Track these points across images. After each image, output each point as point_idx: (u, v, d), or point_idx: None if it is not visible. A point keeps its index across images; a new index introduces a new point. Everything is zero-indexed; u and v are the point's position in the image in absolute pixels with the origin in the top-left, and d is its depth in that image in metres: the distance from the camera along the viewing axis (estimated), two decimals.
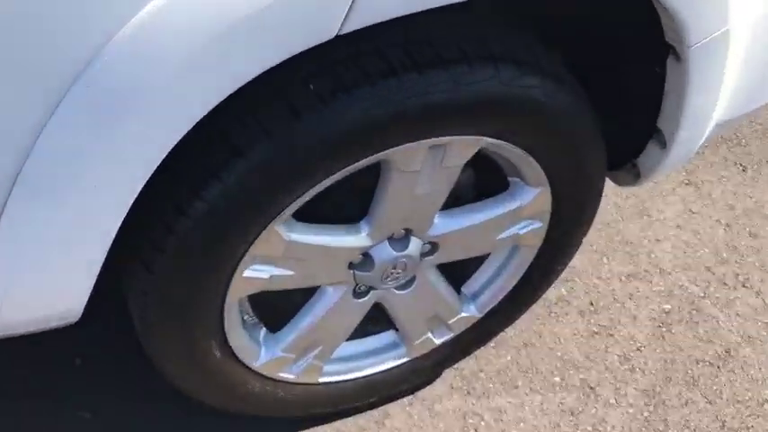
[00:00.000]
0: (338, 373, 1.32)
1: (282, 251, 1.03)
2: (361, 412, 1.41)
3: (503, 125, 1.03)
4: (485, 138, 1.03)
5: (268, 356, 1.19)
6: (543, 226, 1.24)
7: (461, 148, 1.03)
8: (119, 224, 0.86)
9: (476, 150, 1.05)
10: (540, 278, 1.35)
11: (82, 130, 0.77)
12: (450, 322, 1.34)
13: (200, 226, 0.93)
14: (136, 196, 0.84)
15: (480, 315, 1.35)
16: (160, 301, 1.03)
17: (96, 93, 0.75)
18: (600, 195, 1.26)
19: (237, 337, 1.14)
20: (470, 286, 1.35)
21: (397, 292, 1.24)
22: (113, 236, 0.87)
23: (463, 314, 1.34)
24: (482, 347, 1.47)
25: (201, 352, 1.11)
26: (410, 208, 1.10)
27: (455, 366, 1.47)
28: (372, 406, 1.42)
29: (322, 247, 1.07)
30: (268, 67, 0.79)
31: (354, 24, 0.79)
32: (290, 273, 1.08)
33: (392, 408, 1.43)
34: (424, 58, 0.91)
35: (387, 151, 0.97)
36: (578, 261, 1.57)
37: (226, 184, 0.90)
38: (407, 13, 0.83)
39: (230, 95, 0.80)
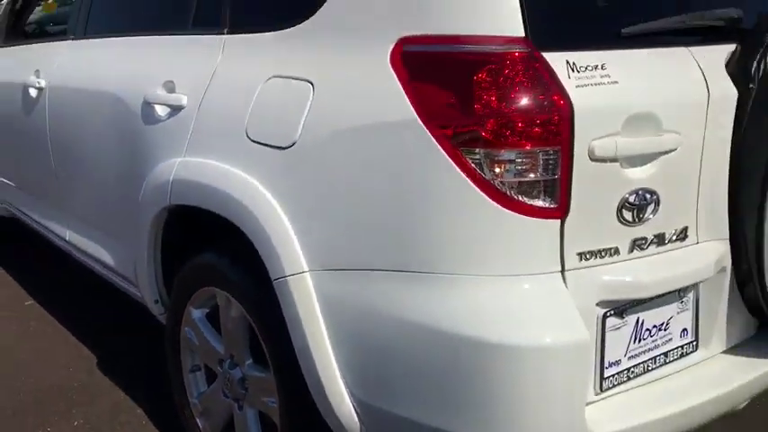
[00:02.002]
0: None
1: (191, 324, 2.10)
2: None
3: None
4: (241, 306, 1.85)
5: (194, 396, 2.18)
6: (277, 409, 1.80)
7: (234, 305, 1.88)
8: None
9: (239, 312, 1.86)
10: None
11: None
12: None
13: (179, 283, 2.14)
14: None
15: None
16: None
17: None
18: None
19: (184, 359, 2.19)
20: None
21: (236, 411, 2.01)
22: None
23: None
24: None
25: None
26: (230, 337, 1.96)
27: None
28: None
29: (206, 339, 2.06)
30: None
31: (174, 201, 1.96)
32: (197, 344, 2.11)
33: None
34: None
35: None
36: None
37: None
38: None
39: None
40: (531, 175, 1.34)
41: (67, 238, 2.80)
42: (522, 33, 1.36)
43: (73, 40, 2.70)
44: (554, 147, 1.33)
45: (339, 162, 1.51)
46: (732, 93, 1.54)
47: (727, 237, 1.60)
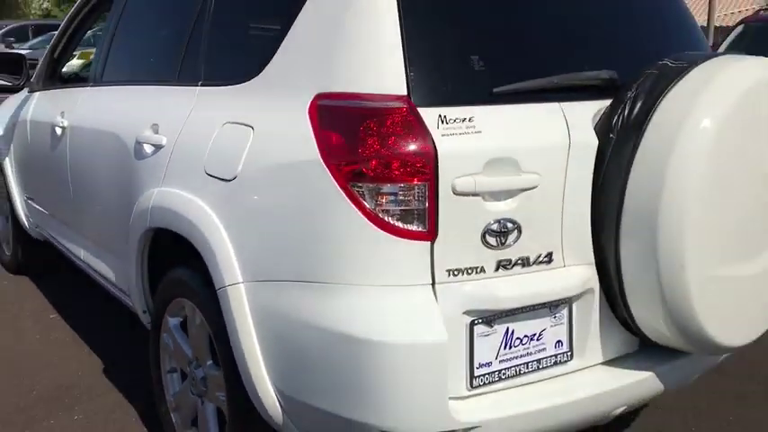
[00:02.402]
0: None
1: (168, 330, 2.46)
2: None
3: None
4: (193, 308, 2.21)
5: (170, 394, 2.53)
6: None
7: (197, 314, 2.23)
8: None
9: (201, 319, 2.21)
10: None
11: None
12: None
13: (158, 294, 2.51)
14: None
15: None
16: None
17: None
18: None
19: (163, 362, 2.54)
20: None
21: (200, 406, 2.34)
22: None
23: None
24: None
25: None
26: (195, 342, 2.31)
27: None
28: None
29: (179, 344, 2.41)
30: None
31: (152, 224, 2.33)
32: (173, 348, 2.46)
33: None
34: None
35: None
36: None
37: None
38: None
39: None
40: (404, 205, 1.67)
41: (82, 257, 3.21)
42: (404, 92, 1.70)
43: (91, 86, 3.14)
44: (421, 183, 1.66)
45: (266, 192, 1.87)
46: (593, 142, 1.84)
47: (593, 262, 1.88)
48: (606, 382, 1.92)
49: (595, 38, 2.04)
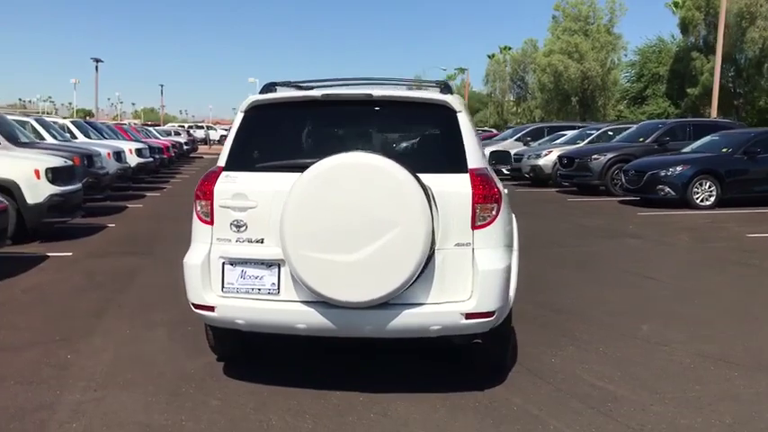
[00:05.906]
0: None
1: None
2: None
3: None
4: None
5: None
6: None
7: None
8: None
9: None
10: None
11: None
12: None
13: None
14: None
15: None
16: None
17: None
18: None
19: None
20: None
21: None
22: None
23: None
24: None
25: None
26: None
27: None
28: None
29: None
30: None
31: None
32: None
33: None
34: None
35: None
36: None
37: None
38: None
39: None
40: (204, 210, 4.16)
41: None
42: (223, 165, 4.22)
43: None
44: (208, 201, 4.13)
45: None
46: (287, 189, 3.96)
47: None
48: (289, 307, 3.95)
49: (332, 143, 4.13)
